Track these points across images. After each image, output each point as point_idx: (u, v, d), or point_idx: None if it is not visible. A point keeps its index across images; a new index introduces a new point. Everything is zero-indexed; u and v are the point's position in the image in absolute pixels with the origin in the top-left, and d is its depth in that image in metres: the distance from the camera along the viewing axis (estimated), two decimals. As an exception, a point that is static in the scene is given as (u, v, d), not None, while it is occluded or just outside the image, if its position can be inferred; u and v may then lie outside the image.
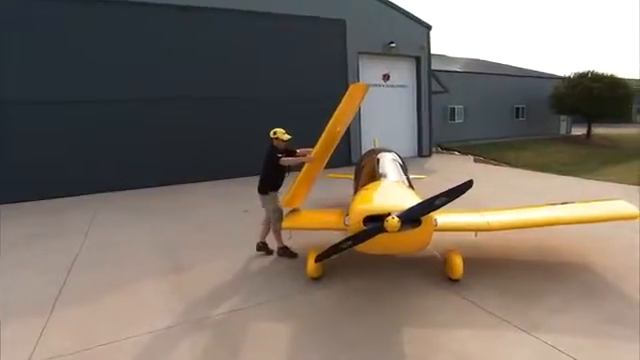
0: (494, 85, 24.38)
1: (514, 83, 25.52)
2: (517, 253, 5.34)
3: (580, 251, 5.24)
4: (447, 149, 19.77)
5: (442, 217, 4.19)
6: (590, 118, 23.57)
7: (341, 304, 4.10)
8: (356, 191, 4.62)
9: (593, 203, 5.07)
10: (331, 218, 4.80)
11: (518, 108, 25.89)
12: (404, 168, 5.49)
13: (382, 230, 3.35)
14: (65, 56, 10.44)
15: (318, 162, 5.11)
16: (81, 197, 10.14)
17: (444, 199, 3.34)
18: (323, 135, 4.96)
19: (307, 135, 5.44)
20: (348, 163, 13.71)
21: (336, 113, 4.55)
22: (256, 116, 12.16)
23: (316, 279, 4.56)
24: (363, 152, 14.61)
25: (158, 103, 11.44)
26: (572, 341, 3.31)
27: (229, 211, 8.15)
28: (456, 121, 23.38)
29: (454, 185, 3.44)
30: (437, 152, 18.32)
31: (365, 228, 3.53)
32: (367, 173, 5.05)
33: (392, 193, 4.08)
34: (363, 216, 3.60)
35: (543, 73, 28.62)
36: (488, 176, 11.74)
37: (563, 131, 27.66)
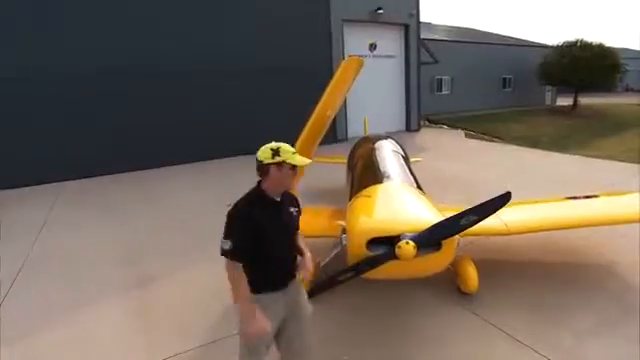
0: (482, 55, 23.55)
1: (502, 53, 24.73)
2: (529, 251, 4.73)
3: (601, 249, 4.69)
4: (434, 122, 19.10)
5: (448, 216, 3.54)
6: (577, 88, 23.12)
7: (334, 329, 3.40)
8: (352, 195, 3.80)
9: (617, 197, 4.48)
10: (322, 223, 4.06)
11: (505, 79, 25.26)
12: (407, 160, 4.70)
13: (392, 257, 2.64)
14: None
15: (306, 154, 4.12)
16: (36, 188, 8.94)
17: (473, 218, 2.61)
18: (311, 120, 4.01)
19: (287, 114, 4.54)
20: (334, 140, 12.93)
21: (326, 94, 3.64)
22: (238, 89, 11.21)
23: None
24: (349, 126, 13.99)
25: (124, 76, 10.16)
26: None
27: (209, 201, 7.30)
28: (443, 92, 22.65)
29: (486, 198, 2.70)
30: (425, 126, 17.62)
31: (370, 255, 2.79)
32: (364, 171, 4.26)
33: (402, 204, 3.27)
34: (367, 239, 2.86)
35: (531, 42, 27.86)
36: (485, 155, 11.15)
37: (548, 102, 27.29)
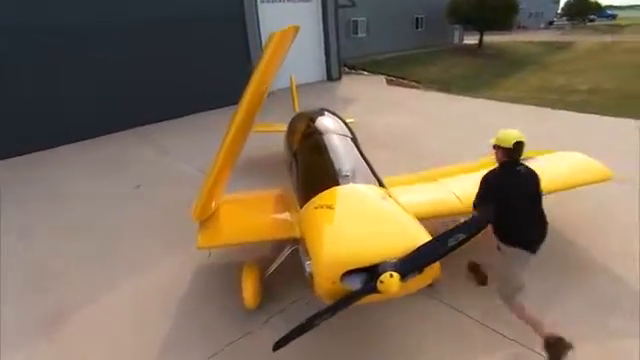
0: (395, -8, 23.07)
1: (414, -9, 24.51)
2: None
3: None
4: (354, 68, 18.69)
5: (395, 190, 3.28)
6: (482, 27, 24.14)
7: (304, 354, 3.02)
8: (303, 198, 3.12)
9: (550, 156, 4.55)
10: (268, 219, 3.53)
11: (418, 18, 25.32)
12: (356, 142, 4.08)
13: (374, 292, 2.24)
14: None
15: (241, 135, 3.33)
16: None
17: (461, 236, 2.26)
18: (246, 99, 3.09)
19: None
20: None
21: (261, 70, 2.92)
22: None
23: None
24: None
25: None
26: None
27: (114, 189, 6.24)
28: (359, 35, 22.03)
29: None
30: (345, 72, 17.15)
31: (347, 293, 2.33)
32: (314, 167, 3.61)
33: (376, 218, 2.67)
34: (342, 272, 2.36)
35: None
36: (412, 105, 11.10)
37: (456, 40, 28.28)
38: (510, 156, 2.68)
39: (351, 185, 3.03)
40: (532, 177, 2.77)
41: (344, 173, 3.14)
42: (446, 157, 6.23)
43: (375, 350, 3.03)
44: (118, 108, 9.42)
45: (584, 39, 29.30)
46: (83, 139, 8.91)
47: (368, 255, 2.36)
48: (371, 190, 3.02)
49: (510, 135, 2.65)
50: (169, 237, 4.68)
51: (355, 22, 21.47)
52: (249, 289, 3.32)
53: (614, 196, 4.87)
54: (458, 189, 3.85)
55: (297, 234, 3.18)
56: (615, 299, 3.41)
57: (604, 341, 3.01)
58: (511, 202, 2.64)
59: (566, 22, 47.52)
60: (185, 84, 10.42)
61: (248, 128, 3.21)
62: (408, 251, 2.34)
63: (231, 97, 11.24)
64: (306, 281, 2.63)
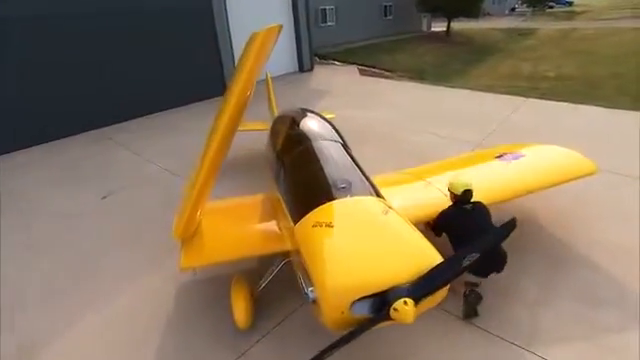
0: (363, -20, 22.82)
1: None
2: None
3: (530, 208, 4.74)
4: (324, 57, 18.39)
5: (384, 192, 3.15)
6: (450, 15, 24.33)
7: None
8: (295, 212, 2.91)
9: (533, 149, 4.54)
10: (256, 232, 3.29)
11: (386, 6, 25.21)
12: (347, 148, 3.77)
13: (387, 320, 2.07)
14: None
15: (225, 144, 2.93)
16: None
17: (476, 255, 2.11)
18: (229, 104, 2.71)
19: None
20: (223, 91, 11.48)
21: (244, 73, 2.62)
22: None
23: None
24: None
25: None
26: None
27: (80, 199, 5.76)
28: (328, 24, 21.68)
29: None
30: (316, 63, 16.83)
31: (360, 320, 2.14)
32: (304, 178, 3.32)
33: (381, 236, 2.47)
34: (352, 301, 2.16)
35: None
36: (388, 97, 10.97)
37: (425, 28, 28.42)
38: (460, 199, 3.27)
39: (349, 199, 2.80)
40: (481, 212, 3.28)
41: (340, 185, 2.92)
42: (430, 153, 6.15)
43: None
44: (76, 107, 8.73)
45: (545, 26, 30.16)
46: (40, 143, 8.23)
47: (379, 280, 2.17)
48: (371, 203, 2.82)
49: (459, 184, 3.27)
50: (147, 250, 4.35)
51: (324, 10, 21.10)
52: (240, 309, 3.08)
53: (592, 186, 4.90)
54: (444, 185, 3.75)
55: (288, 247, 2.99)
56: (601, 293, 3.44)
57: (598, 338, 3.03)
58: (460, 233, 3.16)
59: (527, 9, 48.80)
60: (151, 81, 9.84)
61: (232, 135, 2.93)
62: (420, 273, 2.18)
63: (200, 93, 10.98)
64: (309, 308, 2.41)
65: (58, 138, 8.41)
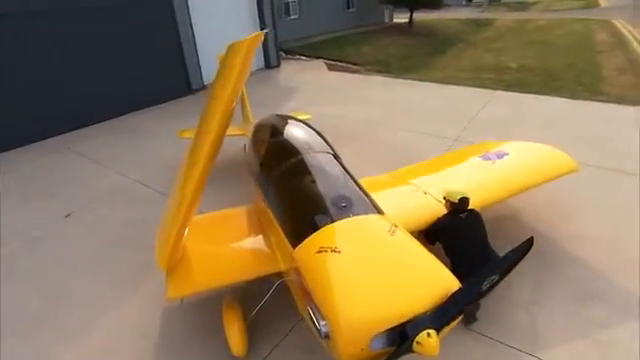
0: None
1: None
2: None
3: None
4: (290, 52, 18.05)
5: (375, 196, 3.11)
6: (412, 6, 24.54)
7: None
8: (289, 234, 2.74)
9: (515, 147, 4.58)
10: (246, 253, 3.09)
11: (349, -2, 25.10)
12: (338, 159, 3.54)
13: (409, 352, 1.96)
14: None
15: (210, 162, 2.61)
16: None
17: (495, 278, 2.03)
18: (214, 121, 2.46)
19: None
20: (189, 91, 11.03)
21: (229, 88, 2.40)
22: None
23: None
24: (203, 71, 11.96)
25: None
26: None
27: (40, 219, 5.25)
28: (291, 17, 21.29)
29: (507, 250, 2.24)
30: (282, 58, 16.48)
31: (378, 355, 2.01)
32: (299, 198, 3.07)
33: (394, 262, 2.31)
34: (372, 335, 2.01)
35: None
36: (359, 92, 10.82)
37: (387, 19, 28.55)
38: (456, 208, 3.27)
39: (352, 219, 2.62)
40: (476, 221, 3.31)
41: (340, 204, 2.73)
42: (409, 151, 6.12)
43: None
44: (27, 114, 7.99)
45: (501, 17, 31.13)
46: None
47: (400, 312, 2.03)
48: (375, 222, 2.65)
49: (457, 193, 3.29)
50: (121, 273, 4.03)
51: (287, 4, 20.67)
52: (235, 335, 2.89)
53: (566, 179, 5.04)
54: (433, 189, 3.72)
55: (282, 267, 2.84)
56: (592, 289, 3.52)
57: (594, 334, 3.09)
58: (456, 242, 3.19)
59: (483, 0, 50.24)
60: (107, 82, 9.18)
61: (217, 151, 2.70)
62: (440, 300, 2.08)
63: (162, 94, 10.41)
64: (321, 344, 2.27)
65: (9, 149, 7.71)
